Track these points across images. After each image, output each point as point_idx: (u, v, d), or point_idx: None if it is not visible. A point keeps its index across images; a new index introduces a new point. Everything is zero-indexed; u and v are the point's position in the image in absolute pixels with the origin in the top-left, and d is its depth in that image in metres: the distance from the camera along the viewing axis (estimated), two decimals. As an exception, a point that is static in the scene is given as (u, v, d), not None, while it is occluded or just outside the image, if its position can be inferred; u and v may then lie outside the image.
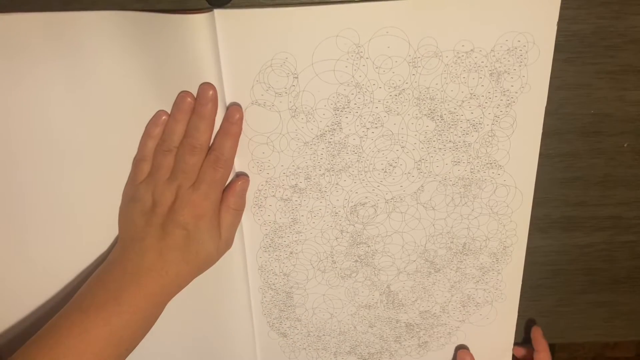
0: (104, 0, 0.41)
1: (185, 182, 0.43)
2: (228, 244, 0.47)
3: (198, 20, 0.39)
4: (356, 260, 0.51)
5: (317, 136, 0.45)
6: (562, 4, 0.42)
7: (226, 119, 0.43)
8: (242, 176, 0.46)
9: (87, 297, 0.42)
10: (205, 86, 0.42)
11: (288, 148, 0.46)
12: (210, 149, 0.44)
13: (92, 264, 0.49)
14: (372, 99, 0.44)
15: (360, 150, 0.46)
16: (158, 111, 0.43)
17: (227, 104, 0.44)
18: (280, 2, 0.42)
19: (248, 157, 0.46)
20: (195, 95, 0.42)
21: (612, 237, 0.54)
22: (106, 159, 0.45)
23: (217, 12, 0.40)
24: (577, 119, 0.48)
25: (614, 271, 0.55)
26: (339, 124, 0.45)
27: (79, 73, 0.42)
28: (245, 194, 0.47)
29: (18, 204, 0.46)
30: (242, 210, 0.47)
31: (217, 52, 0.41)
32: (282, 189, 0.47)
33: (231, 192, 0.45)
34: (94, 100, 0.43)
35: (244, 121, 0.44)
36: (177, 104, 0.43)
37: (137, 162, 0.44)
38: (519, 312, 0.55)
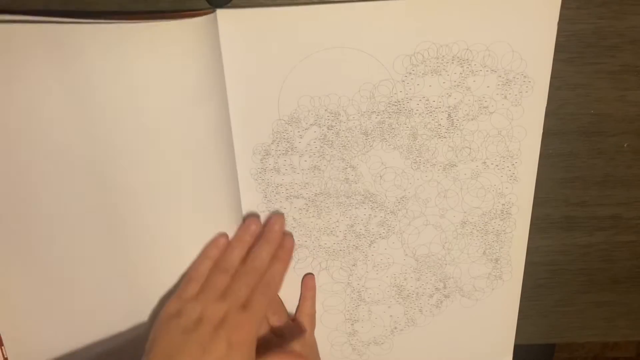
0: (104, 0, 0.41)
1: (237, 302, 0.43)
2: None
3: (201, 22, 0.39)
4: (355, 248, 0.51)
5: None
6: (562, 4, 0.42)
7: (281, 246, 0.47)
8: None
9: None
10: (275, 218, 0.48)
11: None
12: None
13: (91, 266, 0.48)
14: (372, 95, 0.44)
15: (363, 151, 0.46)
16: (218, 235, 0.46)
17: (229, 104, 0.44)
18: (282, 1, 0.42)
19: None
20: (260, 222, 0.47)
21: (612, 237, 0.54)
22: (107, 168, 0.45)
23: (219, 12, 0.40)
24: (577, 119, 0.48)
25: (614, 271, 0.55)
26: (337, 117, 0.45)
27: (79, 82, 0.41)
28: None
29: (16, 209, 0.46)
30: None
31: (219, 51, 0.41)
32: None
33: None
34: (95, 107, 0.43)
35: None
36: (243, 229, 0.46)
37: (189, 280, 0.45)
38: (519, 312, 0.55)
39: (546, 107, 0.46)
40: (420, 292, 0.54)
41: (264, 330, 0.50)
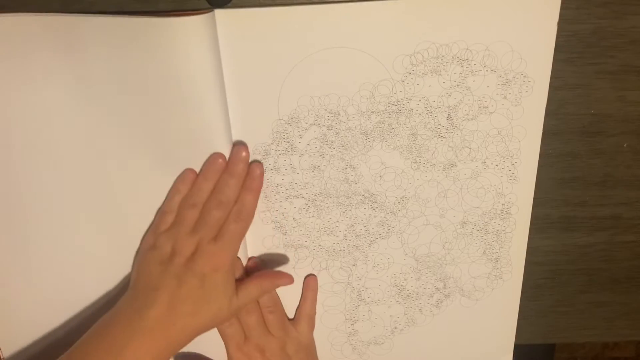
0: (104, 0, 0.41)
1: (207, 234, 0.44)
2: (240, 309, 0.47)
3: (199, 21, 0.39)
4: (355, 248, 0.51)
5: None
6: (562, 4, 0.42)
7: (249, 175, 0.46)
8: (286, 275, 0.49)
9: (89, 350, 0.41)
10: (239, 147, 0.45)
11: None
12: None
13: (91, 266, 0.49)
14: (372, 95, 0.44)
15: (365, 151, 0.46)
16: (186, 170, 0.45)
17: (229, 104, 0.44)
18: (281, 1, 0.42)
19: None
20: (225, 157, 0.45)
21: (612, 237, 0.54)
22: (106, 163, 0.45)
23: (218, 12, 0.40)
24: (577, 119, 0.48)
25: (614, 271, 0.55)
26: (337, 117, 0.45)
27: (78, 77, 0.42)
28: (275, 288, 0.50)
29: (16, 205, 0.46)
30: (269, 292, 0.50)
31: (218, 51, 0.41)
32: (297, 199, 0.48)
33: (273, 278, 0.48)
34: (94, 104, 0.43)
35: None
36: (209, 164, 0.45)
37: (162, 213, 0.46)
38: (519, 312, 0.55)
39: (546, 107, 0.46)
40: (420, 292, 0.54)
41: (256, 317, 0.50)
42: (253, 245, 0.50)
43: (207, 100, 0.43)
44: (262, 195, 0.48)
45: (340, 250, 0.51)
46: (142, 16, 0.40)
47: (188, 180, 0.45)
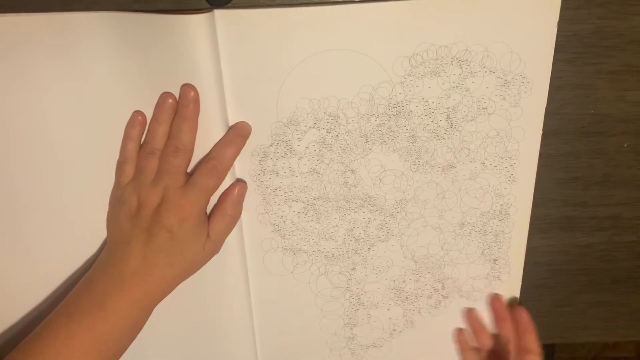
0: (104, 0, 0.41)
1: (172, 183, 0.42)
2: (216, 249, 0.46)
3: (198, 20, 0.39)
4: (353, 253, 0.51)
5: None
6: (562, 4, 0.42)
7: (235, 131, 0.44)
8: (241, 183, 0.46)
9: (73, 303, 0.42)
10: (186, 87, 0.42)
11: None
12: (207, 156, 0.44)
13: (89, 263, 0.48)
14: (372, 97, 0.44)
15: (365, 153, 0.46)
16: (134, 112, 0.43)
17: (227, 105, 0.43)
18: (281, 2, 0.42)
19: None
20: (176, 97, 0.42)
21: (612, 237, 0.54)
22: (104, 160, 0.45)
23: (217, 12, 0.40)
24: (577, 119, 0.48)
25: (614, 271, 0.55)
26: (337, 120, 0.45)
27: (77, 74, 0.42)
28: (242, 201, 0.47)
29: (14, 203, 0.46)
30: (238, 217, 0.47)
31: (217, 52, 0.41)
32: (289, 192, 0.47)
33: (229, 198, 0.45)
34: (93, 102, 0.43)
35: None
36: (158, 106, 0.43)
37: (120, 164, 0.44)
38: (519, 312, 0.55)
39: (546, 107, 0.46)
40: (419, 293, 0.53)
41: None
42: (251, 247, 0.50)
43: (205, 101, 0.42)
44: (260, 197, 0.47)
45: (340, 254, 0.51)
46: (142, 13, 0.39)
47: (138, 124, 0.43)
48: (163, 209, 0.42)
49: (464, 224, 0.50)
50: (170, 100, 0.42)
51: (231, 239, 0.48)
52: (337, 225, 0.49)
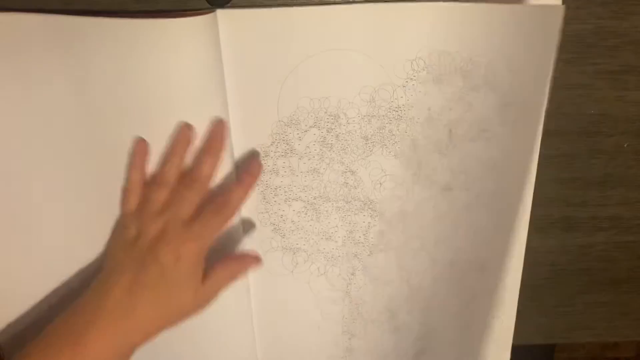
0: (104, 0, 0.41)
1: (176, 216, 0.41)
2: (207, 300, 0.44)
3: (202, 21, 0.39)
4: (353, 273, 0.51)
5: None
6: (562, 4, 0.42)
7: (247, 171, 0.44)
8: (255, 255, 0.47)
9: (52, 335, 0.39)
10: (220, 122, 0.42)
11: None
12: (216, 194, 0.43)
13: (91, 263, 0.48)
14: (373, 98, 0.44)
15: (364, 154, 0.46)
16: (138, 141, 0.42)
17: (229, 104, 0.43)
18: (282, 2, 0.42)
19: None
20: (194, 128, 0.42)
21: (612, 237, 0.54)
22: (104, 161, 0.45)
23: (220, 13, 0.40)
24: (577, 119, 0.48)
25: (614, 271, 0.55)
26: (337, 120, 0.45)
27: (80, 77, 0.42)
28: (247, 270, 0.47)
29: (17, 203, 0.46)
30: (239, 278, 0.46)
31: (220, 52, 0.41)
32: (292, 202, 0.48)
33: (240, 260, 0.46)
34: (93, 102, 0.43)
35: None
36: (178, 137, 0.42)
37: (124, 193, 0.44)
38: (518, 312, 0.55)
39: (546, 107, 0.46)
40: (409, 327, 0.54)
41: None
42: (251, 246, 0.50)
43: (207, 101, 0.42)
44: (260, 196, 0.47)
45: (339, 256, 0.51)
46: (144, 18, 0.39)
47: (142, 152, 0.42)
48: (161, 242, 0.41)
49: (454, 263, 0.50)
50: (189, 132, 0.41)
51: (231, 239, 0.48)
52: (337, 226, 0.49)
